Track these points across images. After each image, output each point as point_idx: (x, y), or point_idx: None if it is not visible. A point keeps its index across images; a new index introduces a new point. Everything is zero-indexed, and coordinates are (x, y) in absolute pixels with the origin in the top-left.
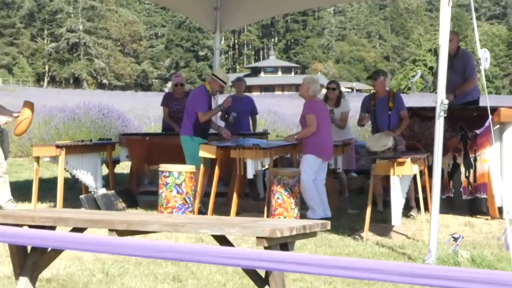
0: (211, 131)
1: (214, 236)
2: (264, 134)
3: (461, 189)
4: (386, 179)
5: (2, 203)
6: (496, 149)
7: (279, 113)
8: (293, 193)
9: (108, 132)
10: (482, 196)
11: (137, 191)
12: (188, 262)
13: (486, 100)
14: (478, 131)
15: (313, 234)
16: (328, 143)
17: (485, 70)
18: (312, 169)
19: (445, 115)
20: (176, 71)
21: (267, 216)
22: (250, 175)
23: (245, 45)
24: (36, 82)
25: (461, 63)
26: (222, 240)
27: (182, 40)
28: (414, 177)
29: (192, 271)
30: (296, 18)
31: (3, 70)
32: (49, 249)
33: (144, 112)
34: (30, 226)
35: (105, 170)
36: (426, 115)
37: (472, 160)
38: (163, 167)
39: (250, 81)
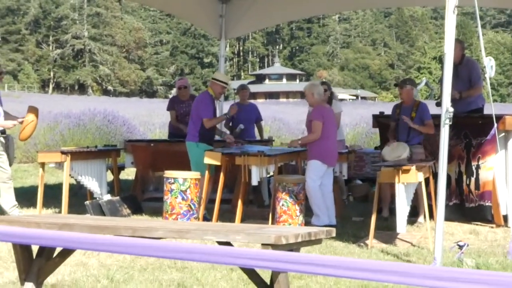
0: (216, 137)
1: (219, 242)
2: (269, 141)
3: (464, 197)
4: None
5: (7, 208)
6: (501, 157)
7: (284, 120)
8: (298, 200)
9: (113, 138)
10: (487, 204)
11: (142, 197)
12: (193, 269)
13: (492, 108)
14: (487, 137)
15: (318, 241)
16: (333, 149)
17: (490, 78)
18: (318, 175)
19: (450, 123)
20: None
21: (272, 223)
22: (254, 182)
23: (250, 52)
24: (41, 88)
25: (466, 71)
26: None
27: (187, 47)
28: (420, 183)
29: (197, 278)
30: (301, 25)
31: (8, 76)
32: (55, 255)
33: (149, 118)
34: None
35: (110, 176)
36: None
37: (474, 168)
38: (168, 173)
39: (254, 88)
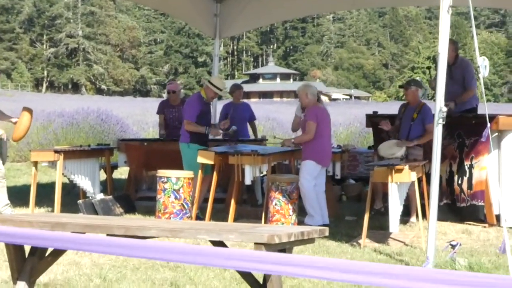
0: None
1: (212, 241)
2: (262, 141)
3: (455, 197)
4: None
5: (0, 207)
6: (494, 157)
7: (277, 119)
8: (291, 199)
9: (106, 137)
10: (479, 204)
11: (135, 196)
12: (186, 268)
13: (485, 108)
14: (482, 139)
15: (311, 241)
16: (327, 150)
17: (483, 78)
18: (312, 175)
19: (444, 122)
20: (174, 77)
21: (265, 222)
22: (248, 181)
23: (244, 52)
24: (35, 87)
25: (460, 72)
26: (220, 246)
27: (181, 46)
28: (413, 183)
29: (190, 277)
30: (295, 25)
31: (1, 75)
32: (47, 254)
33: (143, 117)
34: None
35: (103, 176)
36: None
37: (466, 167)
38: (161, 172)
39: (248, 87)
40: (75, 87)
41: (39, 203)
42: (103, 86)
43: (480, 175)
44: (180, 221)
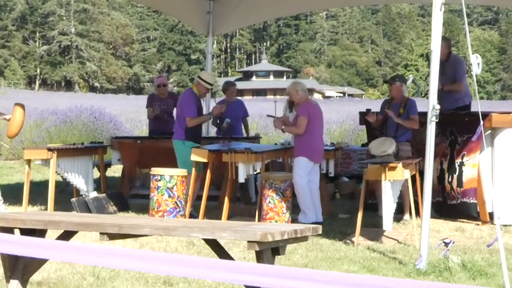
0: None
1: (205, 240)
2: (256, 138)
3: (445, 194)
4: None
5: None
6: (487, 154)
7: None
8: (285, 197)
9: (99, 135)
10: (471, 201)
11: (129, 194)
12: None
13: (478, 106)
14: (473, 139)
15: (304, 239)
16: (319, 146)
17: (476, 76)
18: (305, 172)
19: (437, 120)
20: (167, 75)
21: (259, 220)
22: (241, 179)
23: (237, 49)
24: (28, 84)
25: (452, 68)
26: (214, 244)
27: (174, 44)
28: (406, 181)
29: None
30: (289, 22)
31: None
32: None
33: (136, 115)
34: (21, 229)
35: (96, 174)
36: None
37: (457, 165)
38: (155, 170)
39: (242, 85)
40: (68, 85)
41: (32, 201)
42: (96, 84)
43: (471, 172)
44: (173, 219)
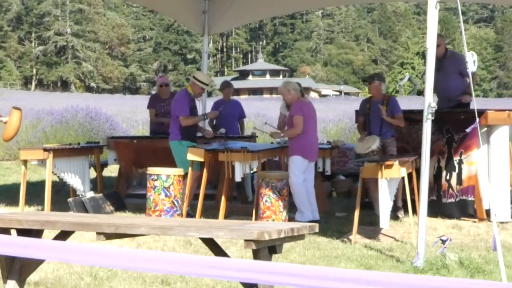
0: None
1: (202, 239)
2: (252, 137)
3: (441, 193)
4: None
5: None
6: (484, 151)
7: (267, 116)
8: (281, 196)
9: (96, 135)
10: (470, 199)
11: (126, 194)
12: None
13: (474, 103)
14: (467, 130)
15: (301, 237)
16: (314, 144)
17: (472, 73)
18: (300, 170)
19: (433, 118)
20: (163, 74)
21: (256, 219)
22: (238, 178)
23: (233, 48)
24: (24, 85)
25: (452, 64)
26: (210, 243)
27: (170, 43)
28: (403, 178)
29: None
30: (284, 21)
31: None
32: None
33: (132, 115)
34: (17, 230)
35: (93, 173)
36: (414, 118)
37: (456, 163)
38: (151, 170)
39: (238, 84)
40: (64, 85)
41: (29, 201)
42: (92, 84)
43: (470, 170)
44: (170, 218)
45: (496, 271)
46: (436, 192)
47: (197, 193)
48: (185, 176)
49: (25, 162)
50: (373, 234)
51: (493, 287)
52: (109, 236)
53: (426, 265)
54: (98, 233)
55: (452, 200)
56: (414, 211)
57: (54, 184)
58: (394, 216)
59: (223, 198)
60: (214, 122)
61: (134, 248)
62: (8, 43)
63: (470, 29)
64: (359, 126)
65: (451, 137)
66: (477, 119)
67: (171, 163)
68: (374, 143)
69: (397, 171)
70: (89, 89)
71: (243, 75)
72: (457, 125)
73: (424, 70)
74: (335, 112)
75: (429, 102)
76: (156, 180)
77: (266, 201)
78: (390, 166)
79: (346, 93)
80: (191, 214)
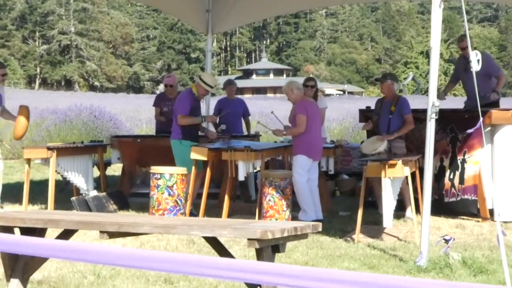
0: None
1: (205, 238)
2: (255, 136)
3: (443, 192)
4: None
5: None
6: (487, 151)
7: (271, 115)
8: (285, 195)
9: (99, 134)
10: (472, 198)
11: (129, 193)
12: None
13: (477, 102)
14: (469, 131)
15: (304, 236)
16: (318, 143)
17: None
18: (304, 169)
19: (436, 117)
20: (168, 73)
21: (259, 218)
22: (241, 177)
23: (237, 47)
24: (28, 84)
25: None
26: (214, 242)
27: (174, 42)
28: (406, 177)
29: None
30: (288, 20)
31: None
32: None
33: (136, 114)
34: (21, 228)
35: (96, 172)
36: (417, 117)
37: (459, 162)
38: (155, 169)
39: (242, 83)
40: (68, 84)
41: (32, 200)
42: (96, 83)
43: (473, 169)
44: (173, 217)
45: (499, 271)
46: (438, 192)
47: (200, 192)
48: (187, 175)
49: (28, 160)
50: (377, 234)
51: None
52: (112, 235)
53: (429, 264)
54: (101, 232)
55: (454, 199)
56: (418, 210)
57: (58, 183)
58: (398, 215)
59: (226, 197)
60: (218, 120)
61: (137, 247)
62: (12, 42)
63: (474, 28)
64: (374, 125)
65: (455, 136)
66: (481, 119)
67: (175, 162)
68: (381, 146)
69: (400, 170)
70: (93, 88)
71: (247, 74)
72: (461, 124)
73: (428, 70)
74: (339, 111)
75: (433, 101)
76: (159, 179)
77: (269, 200)
78: (393, 165)
79: (349, 92)
80: (194, 213)
